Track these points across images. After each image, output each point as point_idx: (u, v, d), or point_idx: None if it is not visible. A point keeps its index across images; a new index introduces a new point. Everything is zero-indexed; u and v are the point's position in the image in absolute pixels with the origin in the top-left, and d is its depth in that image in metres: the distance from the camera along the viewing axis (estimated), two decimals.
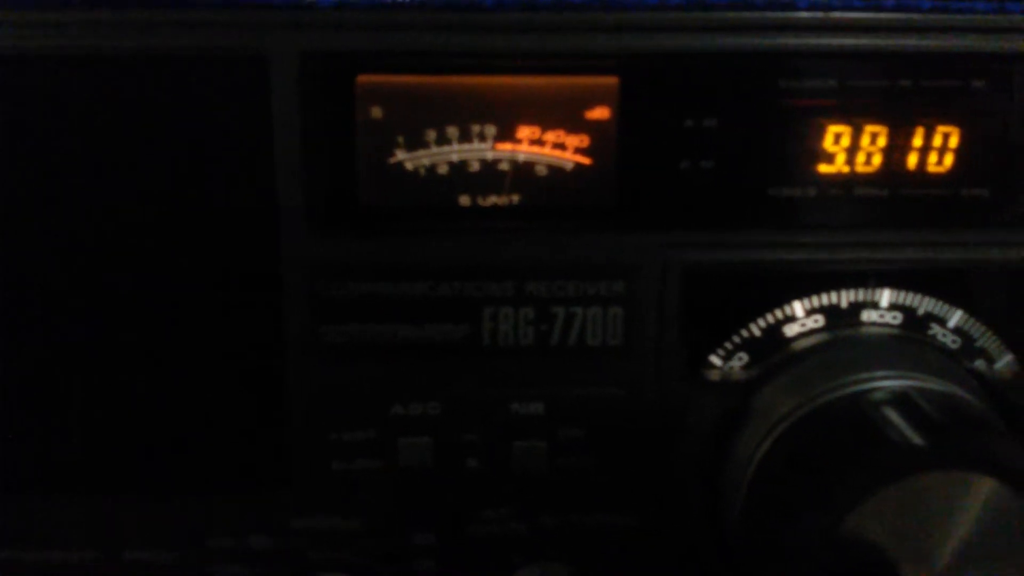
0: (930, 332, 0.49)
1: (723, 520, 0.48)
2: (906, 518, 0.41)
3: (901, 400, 0.43)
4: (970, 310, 0.49)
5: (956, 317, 0.49)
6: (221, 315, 0.47)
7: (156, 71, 0.44)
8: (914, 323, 0.49)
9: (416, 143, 0.46)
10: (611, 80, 0.45)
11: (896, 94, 0.46)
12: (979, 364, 0.49)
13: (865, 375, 0.46)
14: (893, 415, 0.42)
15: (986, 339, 0.49)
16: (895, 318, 0.49)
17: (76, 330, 0.47)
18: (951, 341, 0.49)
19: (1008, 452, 0.42)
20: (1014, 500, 0.41)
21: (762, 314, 0.48)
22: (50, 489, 0.48)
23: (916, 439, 0.40)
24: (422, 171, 0.46)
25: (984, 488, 0.41)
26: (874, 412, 0.43)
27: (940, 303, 0.49)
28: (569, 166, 0.46)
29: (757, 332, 0.48)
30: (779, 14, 0.45)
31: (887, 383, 0.45)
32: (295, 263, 0.46)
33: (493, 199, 0.47)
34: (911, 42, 0.46)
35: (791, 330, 0.48)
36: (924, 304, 0.49)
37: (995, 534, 0.42)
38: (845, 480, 0.40)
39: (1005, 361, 0.49)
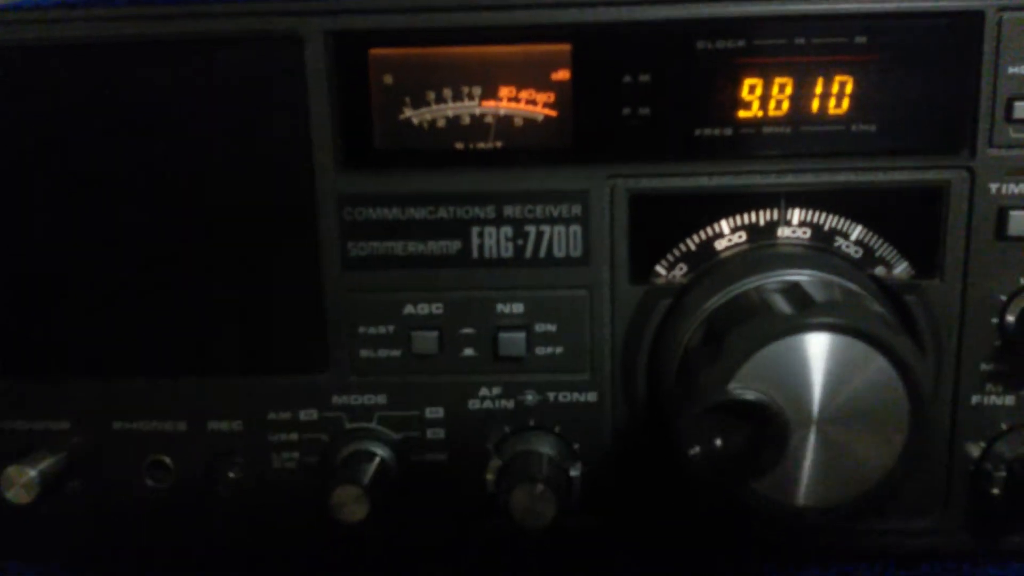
0: (836, 244, 0.60)
1: (661, 397, 0.60)
2: (796, 377, 0.51)
3: (790, 287, 0.55)
4: (869, 225, 0.60)
5: (857, 231, 0.60)
6: (275, 239, 0.61)
7: (215, 51, 0.58)
8: (822, 236, 0.60)
9: (419, 102, 0.59)
10: (565, 47, 0.58)
11: (797, 51, 0.58)
12: (879, 271, 0.60)
13: (771, 273, 0.57)
14: (778, 297, 0.54)
15: (884, 249, 0.60)
16: (805, 233, 0.60)
17: (169, 254, 0.62)
18: (854, 251, 0.60)
19: (876, 326, 0.52)
20: (895, 376, 0.52)
21: (695, 231, 0.60)
22: (150, 371, 0.63)
23: (788, 310, 0.52)
24: (425, 125, 0.60)
25: (874, 361, 0.52)
26: (766, 295, 0.55)
27: (842, 219, 0.60)
28: (540, 118, 0.59)
29: (693, 247, 0.60)
30: None
31: (786, 277, 0.57)
32: (327, 195, 0.60)
33: (481, 144, 0.60)
34: (806, 7, 0.57)
35: (720, 244, 0.60)
36: (829, 221, 0.60)
37: (877, 403, 0.52)
38: (731, 345, 0.52)
39: (902, 267, 0.60)
